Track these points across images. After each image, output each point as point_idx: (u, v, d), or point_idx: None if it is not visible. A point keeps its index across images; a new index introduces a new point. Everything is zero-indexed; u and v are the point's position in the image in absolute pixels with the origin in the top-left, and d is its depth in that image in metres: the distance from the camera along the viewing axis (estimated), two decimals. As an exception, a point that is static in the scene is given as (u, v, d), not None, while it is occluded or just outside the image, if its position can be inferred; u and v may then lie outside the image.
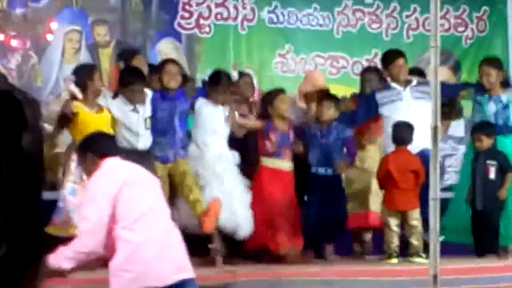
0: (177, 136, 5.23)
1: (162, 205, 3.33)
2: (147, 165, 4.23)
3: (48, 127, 5.26)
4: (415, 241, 5.08)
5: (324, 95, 5.44)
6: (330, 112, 5.21)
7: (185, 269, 3.17)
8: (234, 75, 5.67)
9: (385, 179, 5.12)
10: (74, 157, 4.53)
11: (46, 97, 6.43)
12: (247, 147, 5.31)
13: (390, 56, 5.64)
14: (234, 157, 5.16)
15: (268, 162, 5.19)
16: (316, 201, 5.13)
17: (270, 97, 5.33)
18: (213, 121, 5.12)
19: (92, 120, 4.91)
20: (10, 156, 0.81)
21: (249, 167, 5.21)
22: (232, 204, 4.90)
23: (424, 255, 4.97)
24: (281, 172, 5.20)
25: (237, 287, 4.57)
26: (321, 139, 5.23)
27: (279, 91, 5.36)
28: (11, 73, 6.40)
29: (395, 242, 5.05)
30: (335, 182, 5.21)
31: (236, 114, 5.22)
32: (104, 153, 3.33)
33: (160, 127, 5.17)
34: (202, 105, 5.16)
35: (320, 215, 5.10)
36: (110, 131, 4.88)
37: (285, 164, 5.21)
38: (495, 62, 5.61)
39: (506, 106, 5.49)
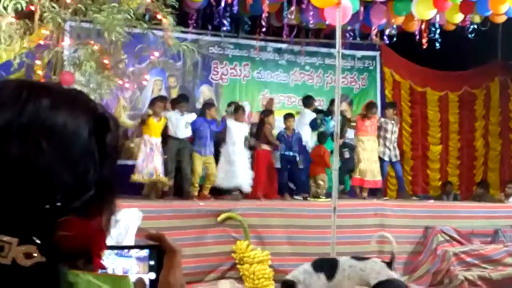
0: (208, 142, 9.16)
1: None
2: (185, 147, 8.95)
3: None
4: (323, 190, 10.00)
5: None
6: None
7: None
8: (246, 106, 10.40)
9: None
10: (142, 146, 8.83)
11: (144, 112, 9.78)
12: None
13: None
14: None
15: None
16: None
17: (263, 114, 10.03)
18: (236, 131, 9.49)
19: (155, 125, 8.98)
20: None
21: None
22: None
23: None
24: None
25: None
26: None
27: (269, 111, 10.04)
28: (126, 100, 10.07)
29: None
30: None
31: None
32: None
33: (200, 136, 9.13)
34: (230, 122, 9.54)
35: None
36: (160, 131, 8.89)
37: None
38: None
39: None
